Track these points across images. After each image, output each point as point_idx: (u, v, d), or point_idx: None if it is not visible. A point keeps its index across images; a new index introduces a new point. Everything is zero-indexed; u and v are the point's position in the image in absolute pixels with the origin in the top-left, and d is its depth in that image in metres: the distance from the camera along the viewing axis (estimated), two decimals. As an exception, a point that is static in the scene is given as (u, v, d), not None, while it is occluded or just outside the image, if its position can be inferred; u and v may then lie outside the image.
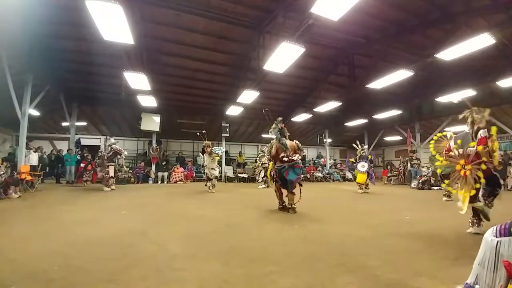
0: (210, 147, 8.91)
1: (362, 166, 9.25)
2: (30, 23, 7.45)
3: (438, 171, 4.10)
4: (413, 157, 13.30)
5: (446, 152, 3.56)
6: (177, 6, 7.79)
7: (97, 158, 9.58)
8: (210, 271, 2.21)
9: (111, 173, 9.03)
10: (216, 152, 9.11)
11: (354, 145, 9.93)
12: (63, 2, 7.07)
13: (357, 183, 9.41)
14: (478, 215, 3.53)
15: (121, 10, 5.12)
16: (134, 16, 6.72)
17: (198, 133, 9.19)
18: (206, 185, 9.07)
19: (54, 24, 7.93)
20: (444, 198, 7.24)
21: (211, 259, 2.49)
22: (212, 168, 8.85)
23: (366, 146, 9.83)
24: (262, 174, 11.98)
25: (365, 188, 9.15)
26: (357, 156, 9.54)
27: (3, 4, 6.24)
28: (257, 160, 12.60)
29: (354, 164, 9.86)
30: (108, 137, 9.83)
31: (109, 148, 9.34)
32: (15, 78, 8.12)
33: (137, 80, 8.83)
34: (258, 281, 2.04)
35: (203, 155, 9.20)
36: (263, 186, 11.06)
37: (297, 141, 5.44)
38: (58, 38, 8.62)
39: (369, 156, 9.81)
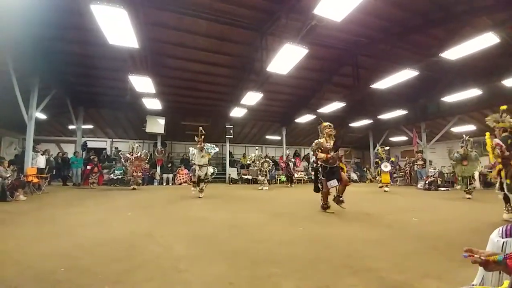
0: (201, 142, 8.09)
1: (385, 166, 10.13)
2: (35, 27, 7.55)
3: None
4: (419, 158, 13.18)
5: (500, 148, 4.06)
6: (179, 9, 7.84)
7: (125, 158, 10.74)
8: (214, 273, 2.21)
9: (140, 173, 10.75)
10: (209, 151, 8.36)
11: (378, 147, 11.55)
12: (68, 6, 7.16)
13: (382, 183, 10.26)
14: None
15: (125, 14, 5.18)
16: (138, 20, 6.78)
17: (200, 127, 8.36)
18: (193, 188, 8.04)
19: (60, 28, 8.03)
20: (468, 196, 7.67)
21: (215, 261, 2.49)
22: (200, 166, 7.95)
23: (388, 148, 10.74)
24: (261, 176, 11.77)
25: (385, 186, 10.01)
26: (383, 157, 10.53)
27: (8, 8, 6.34)
28: (257, 163, 12.09)
29: (379, 164, 10.65)
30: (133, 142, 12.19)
31: (139, 152, 10.87)
32: (21, 82, 8.23)
33: (142, 83, 8.91)
34: (262, 283, 2.04)
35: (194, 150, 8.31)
36: (266, 188, 11.22)
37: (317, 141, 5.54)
38: (64, 42, 8.73)
39: (392, 158, 10.91)
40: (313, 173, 6.47)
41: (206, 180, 8.17)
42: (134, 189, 10.16)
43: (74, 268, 2.27)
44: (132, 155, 10.52)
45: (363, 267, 2.34)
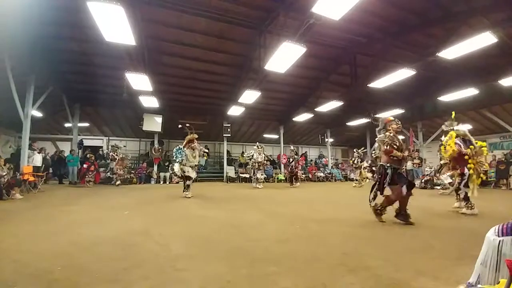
0: (195, 141, 7.66)
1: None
2: (32, 24, 7.47)
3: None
4: (415, 157, 13.23)
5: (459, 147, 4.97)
6: (178, 6, 7.80)
7: (111, 157, 11.81)
8: (212, 272, 2.21)
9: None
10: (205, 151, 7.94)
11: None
12: (64, 3, 7.09)
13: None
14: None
15: (122, 11, 5.14)
16: (135, 17, 6.73)
17: (181, 125, 7.99)
18: (184, 191, 7.49)
19: (56, 25, 7.96)
20: (441, 192, 8.66)
21: (213, 260, 2.50)
22: (191, 167, 7.46)
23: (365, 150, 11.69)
24: (259, 174, 11.54)
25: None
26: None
27: (5, 5, 6.27)
28: (252, 159, 11.61)
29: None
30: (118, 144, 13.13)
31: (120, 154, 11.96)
32: (18, 80, 8.16)
33: (138, 81, 8.86)
34: (260, 282, 2.05)
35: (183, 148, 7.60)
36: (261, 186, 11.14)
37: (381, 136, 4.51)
38: (60, 39, 8.65)
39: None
40: (376, 176, 5.19)
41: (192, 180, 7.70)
42: (119, 185, 11.18)
43: (72, 266, 2.26)
44: (117, 155, 11.51)
45: (359, 265, 2.35)
